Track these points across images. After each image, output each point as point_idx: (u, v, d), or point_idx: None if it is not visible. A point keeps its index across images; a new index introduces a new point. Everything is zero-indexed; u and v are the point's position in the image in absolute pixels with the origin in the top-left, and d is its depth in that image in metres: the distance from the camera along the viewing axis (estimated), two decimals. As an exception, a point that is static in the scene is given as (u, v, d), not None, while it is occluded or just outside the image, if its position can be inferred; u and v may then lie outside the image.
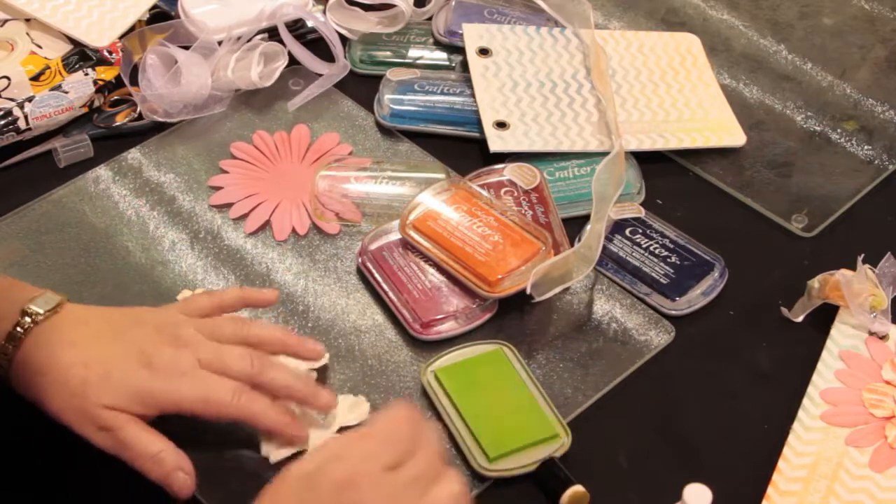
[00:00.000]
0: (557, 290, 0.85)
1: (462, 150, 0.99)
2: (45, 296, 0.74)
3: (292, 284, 0.88)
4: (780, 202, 0.96)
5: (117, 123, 0.99)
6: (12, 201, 0.93)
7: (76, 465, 0.74)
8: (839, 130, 1.02)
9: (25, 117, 0.95)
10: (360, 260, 0.89)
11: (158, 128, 0.99)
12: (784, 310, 0.87)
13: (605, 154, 0.93)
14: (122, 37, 1.01)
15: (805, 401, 0.81)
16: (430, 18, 1.09)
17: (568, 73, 1.03)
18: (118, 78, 1.00)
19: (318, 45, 1.05)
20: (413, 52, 1.07)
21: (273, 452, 0.75)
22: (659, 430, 0.80)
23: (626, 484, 0.77)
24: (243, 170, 0.96)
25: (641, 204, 0.94)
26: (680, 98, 1.02)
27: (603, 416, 0.81)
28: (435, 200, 0.89)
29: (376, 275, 0.87)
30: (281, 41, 1.02)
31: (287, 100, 1.02)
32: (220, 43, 1.00)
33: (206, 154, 0.98)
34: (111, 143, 0.98)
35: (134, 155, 0.97)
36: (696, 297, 0.87)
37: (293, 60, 1.03)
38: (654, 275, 0.88)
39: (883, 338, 0.85)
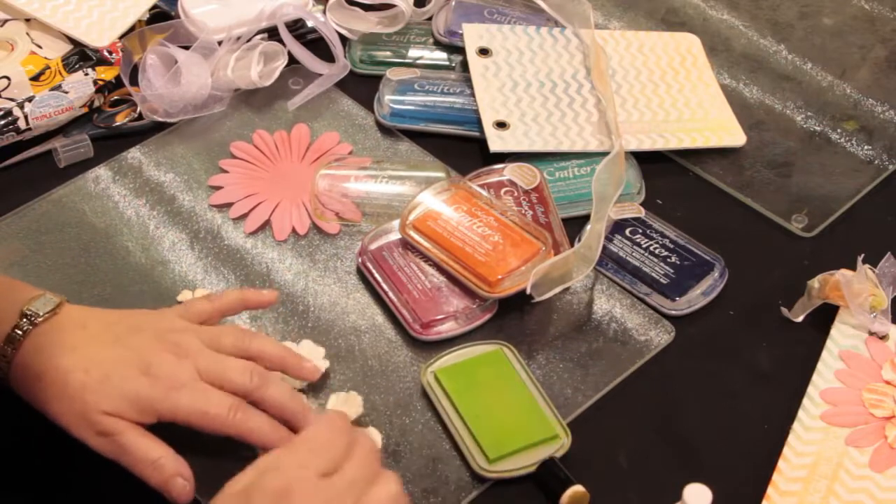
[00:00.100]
0: (557, 290, 0.85)
1: (462, 150, 0.99)
2: (44, 297, 0.74)
3: (292, 284, 0.88)
4: (780, 202, 0.96)
5: (117, 123, 0.99)
6: (12, 201, 0.93)
7: (77, 466, 0.74)
8: (839, 130, 1.02)
9: (25, 117, 0.94)
10: (360, 260, 0.89)
11: (158, 128, 0.99)
12: (784, 310, 0.87)
13: (605, 154, 0.93)
14: (122, 37, 1.01)
15: (805, 401, 0.81)
16: (430, 18, 1.09)
17: (568, 73, 1.03)
18: (118, 78, 1.00)
19: (318, 45, 1.05)
20: (413, 52, 1.07)
21: None
22: (659, 430, 0.80)
23: (626, 484, 0.77)
24: (243, 169, 0.96)
25: (641, 204, 0.94)
26: (680, 98, 1.02)
27: (603, 416, 0.81)
28: (435, 200, 0.89)
29: (376, 275, 0.87)
30: (281, 41, 1.02)
31: (287, 99, 1.02)
32: (220, 43, 1.00)
33: (206, 153, 0.98)
34: (111, 143, 0.98)
35: (134, 154, 0.97)
36: (696, 297, 0.87)
37: (293, 60, 1.03)
38: (654, 275, 0.88)
39: (883, 338, 0.85)
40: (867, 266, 0.85)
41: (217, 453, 0.74)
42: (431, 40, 1.08)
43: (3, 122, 0.94)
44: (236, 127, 1.00)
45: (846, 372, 0.83)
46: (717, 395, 0.82)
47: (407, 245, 0.88)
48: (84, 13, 1.00)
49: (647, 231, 0.91)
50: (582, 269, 0.87)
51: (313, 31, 1.06)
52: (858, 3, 1.16)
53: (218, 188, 0.95)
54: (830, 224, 0.94)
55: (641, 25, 1.12)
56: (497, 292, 0.84)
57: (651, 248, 0.90)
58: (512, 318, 0.86)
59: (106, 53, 0.99)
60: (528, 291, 0.83)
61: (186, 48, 1.00)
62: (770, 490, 0.76)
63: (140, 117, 0.99)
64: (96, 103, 0.99)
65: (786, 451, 0.78)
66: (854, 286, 0.84)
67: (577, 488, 0.74)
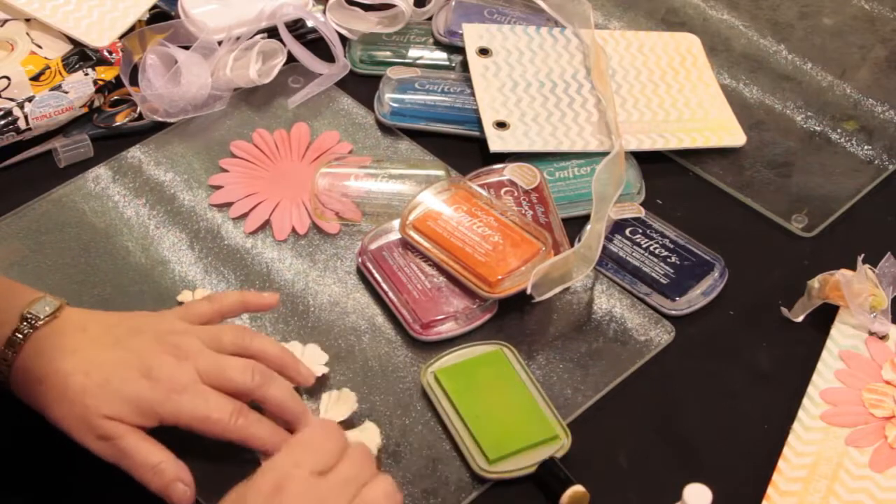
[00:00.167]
0: (557, 290, 0.85)
1: (462, 150, 0.99)
2: (45, 300, 0.74)
3: (292, 284, 0.88)
4: (780, 202, 0.96)
5: (117, 123, 0.99)
6: (12, 201, 0.93)
7: (77, 468, 0.74)
8: (839, 130, 1.02)
9: (25, 117, 0.94)
10: (360, 260, 0.89)
11: (158, 127, 0.99)
12: (784, 310, 0.87)
13: (605, 154, 0.93)
14: (122, 37, 1.01)
15: (805, 401, 0.81)
16: (430, 18, 1.09)
17: (568, 73, 1.03)
18: (118, 78, 0.99)
19: (318, 45, 1.05)
20: (413, 52, 1.07)
21: None
22: (659, 430, 0.80)
23: (626, 484, 0.77)
24: (243, 168, 0.96)
25: (641, 204, 0.94)
26: (680, 98, 1.02)
27: (603, 416, 0.81)
28: (435, 200, 0.89)
29: (376, 275, 0.87)
30: (281, 41, 1.02)
31: (287, 98, 1.02)
32: (219, 43, 1.00)
33: (206, 153, 0.98)
34: (111, 143, 0.98)
35: (133, 154, 0.97)
36: (696, 297, 0.87)
37: (292, 57, 1.03)
38: (654, 275, 0.88)
39: (883, 338, 0.85)
40: (867, 266, 0.85)
41: (218, 457, 0.74)
42: (431, 40, 1.08)
43: (3, 122, 0.94)
44: (236, 126, 1.00)
45: (846, 372, 0.83)
46: (717, 395, 0.82)
47: (407, 245, 0.88)
48: (84, 13, 1.00)
49: (647, 231, 0.91)
50: (582, 269, 0.87)
51: (313, 31, 1.06)
52: (858, 3, 1.16)
53: (218, 187, 0.95)
54: (830, 224, 0.94)
55: (641, 25, 1.12)
56: (497, 292, 0.84)
57: (651, 248, 0.90)
58: (512, 318, 0.86)
59: (106, 53, 0.99)
60: (529, 291, 0.83)
61: (186, 48, 1.00)
62: (770, 490, 0.76)
63: (140, 117, 0.99)
64: (96, 103, 0.99)
65: (786, 451, 0.78)
66: (854, 286, 0.84)
67: (577, 488, 0.74)
